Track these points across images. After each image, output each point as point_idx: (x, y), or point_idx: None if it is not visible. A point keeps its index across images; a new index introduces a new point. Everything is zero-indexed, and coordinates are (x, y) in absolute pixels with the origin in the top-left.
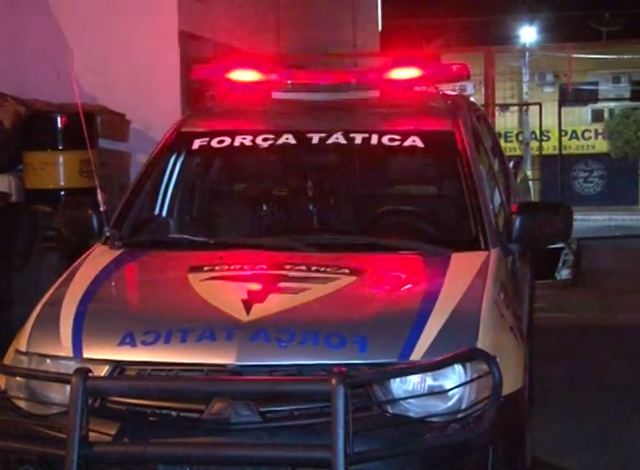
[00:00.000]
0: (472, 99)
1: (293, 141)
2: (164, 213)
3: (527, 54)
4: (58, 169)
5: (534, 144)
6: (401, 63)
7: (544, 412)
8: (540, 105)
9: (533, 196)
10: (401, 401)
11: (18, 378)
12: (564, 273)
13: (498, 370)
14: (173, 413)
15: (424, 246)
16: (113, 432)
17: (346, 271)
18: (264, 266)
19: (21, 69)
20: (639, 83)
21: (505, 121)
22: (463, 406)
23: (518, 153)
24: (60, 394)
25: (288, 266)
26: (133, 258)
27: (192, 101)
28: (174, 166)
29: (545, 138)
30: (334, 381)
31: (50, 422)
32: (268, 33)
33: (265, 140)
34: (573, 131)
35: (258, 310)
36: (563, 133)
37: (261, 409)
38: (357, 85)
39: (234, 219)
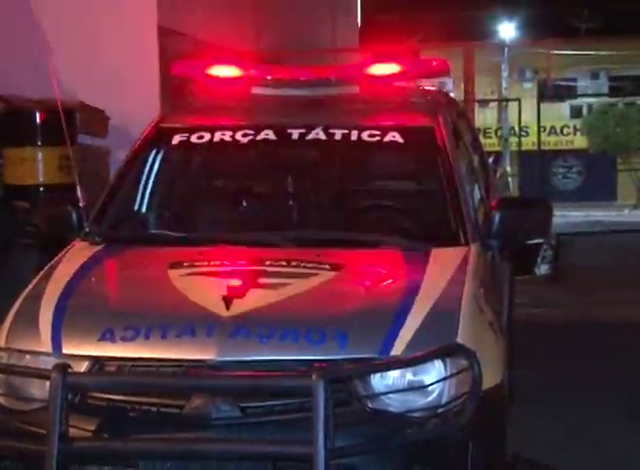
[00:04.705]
0: (451, 94)
1: (272, 137)
2: (144, 209)
3: (507, 50)
4: (37, 165)
5: (513, 140)
6: (381, 59)
7: (524, 408)
8: (519, 101)
9: (512, 191)
10: (381, 396)
11: None
12: (543, 269)
13: (478, 365)
14: (154, 409)
15: (404, 241)
16: (93, 427)
17: (327, 267)
18: (244, 262)
19: None
20: (617, 79)
21: (484, 117)
22: (443, 401)
23: (497, 148)
24: (39, 389)
25: (268, 262)
26: (113, 254)
27: (171, 97)
28: (154, 162)
29: (524, 134)
30: (314, 376)
31: (30, 418)
32: (247, 29)
33: (245, 136)
34: (552, 127)
35: (238, 306)
36: (542, 129)
37: (242, 405)
38: (337, 81)
39: (214, 215)
